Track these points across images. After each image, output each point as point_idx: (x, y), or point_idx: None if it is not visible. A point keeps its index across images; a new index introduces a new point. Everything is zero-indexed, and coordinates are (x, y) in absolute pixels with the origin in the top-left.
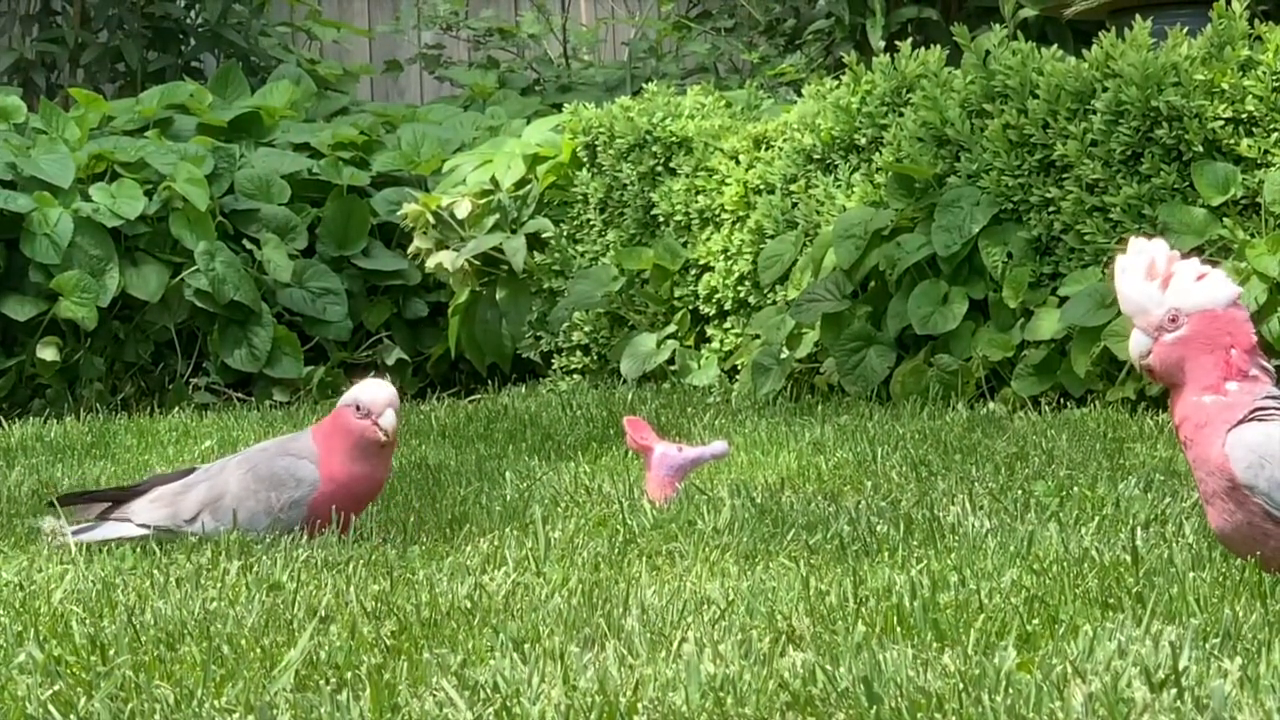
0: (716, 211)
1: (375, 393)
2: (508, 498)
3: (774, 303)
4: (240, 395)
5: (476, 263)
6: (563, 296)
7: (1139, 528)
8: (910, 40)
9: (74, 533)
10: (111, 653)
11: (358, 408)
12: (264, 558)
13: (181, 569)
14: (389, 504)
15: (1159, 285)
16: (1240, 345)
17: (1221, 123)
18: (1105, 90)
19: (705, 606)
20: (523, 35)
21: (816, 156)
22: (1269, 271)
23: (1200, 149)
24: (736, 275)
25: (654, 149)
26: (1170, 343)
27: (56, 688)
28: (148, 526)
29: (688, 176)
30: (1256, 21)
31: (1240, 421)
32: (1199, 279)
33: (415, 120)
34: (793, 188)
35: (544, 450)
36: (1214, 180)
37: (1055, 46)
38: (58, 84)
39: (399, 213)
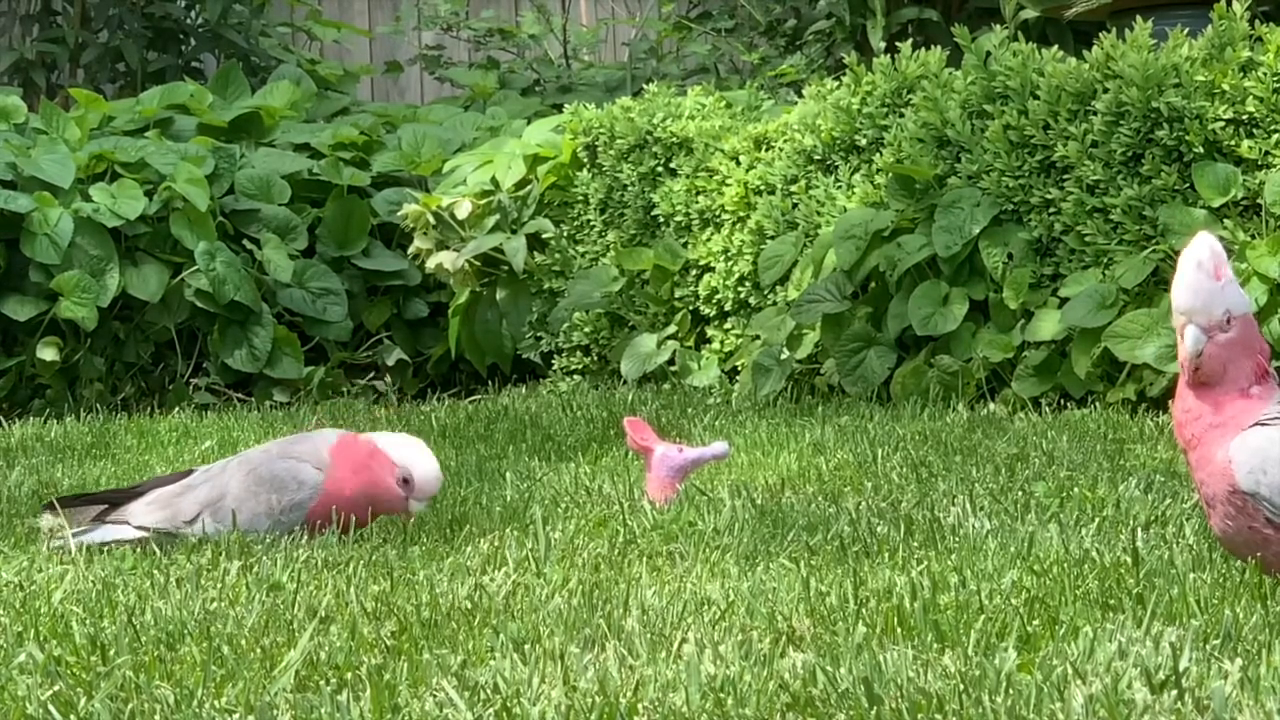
0: (717, 212)
1: (429, 479)
2: (508, 498)
3: (774, 303)
4: (240, 396)
5: (477, 263)
6: (563, 297)
7: (1139, 529)
8: (911, 41)
9: (70, 534)
10: (111, 653)
11: (405, 481)
12: (264, 558)
13: (181, 569)
14: None
15: (1221, 285)
16: (1263, 351)
17: (1222, 124)
18: (1106, 91)
19: (706, 607)
20: (523, 36)
21: (817, 157)
22: (1269, 273)
23: (1201, 150)
24: (737, 276)
25: (654, 149)
26: (1223, 343)
27: (56, 688)
28: (146, 529)
29: (688, 177)
30: (1257, 22)
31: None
32: (1234, 282)
33: (416, 121)
34: (793, 188)
35: (544, 451)
36: (1215, 181)
37: (1056, 47)
38: (58, 84)
39: (399, 213)
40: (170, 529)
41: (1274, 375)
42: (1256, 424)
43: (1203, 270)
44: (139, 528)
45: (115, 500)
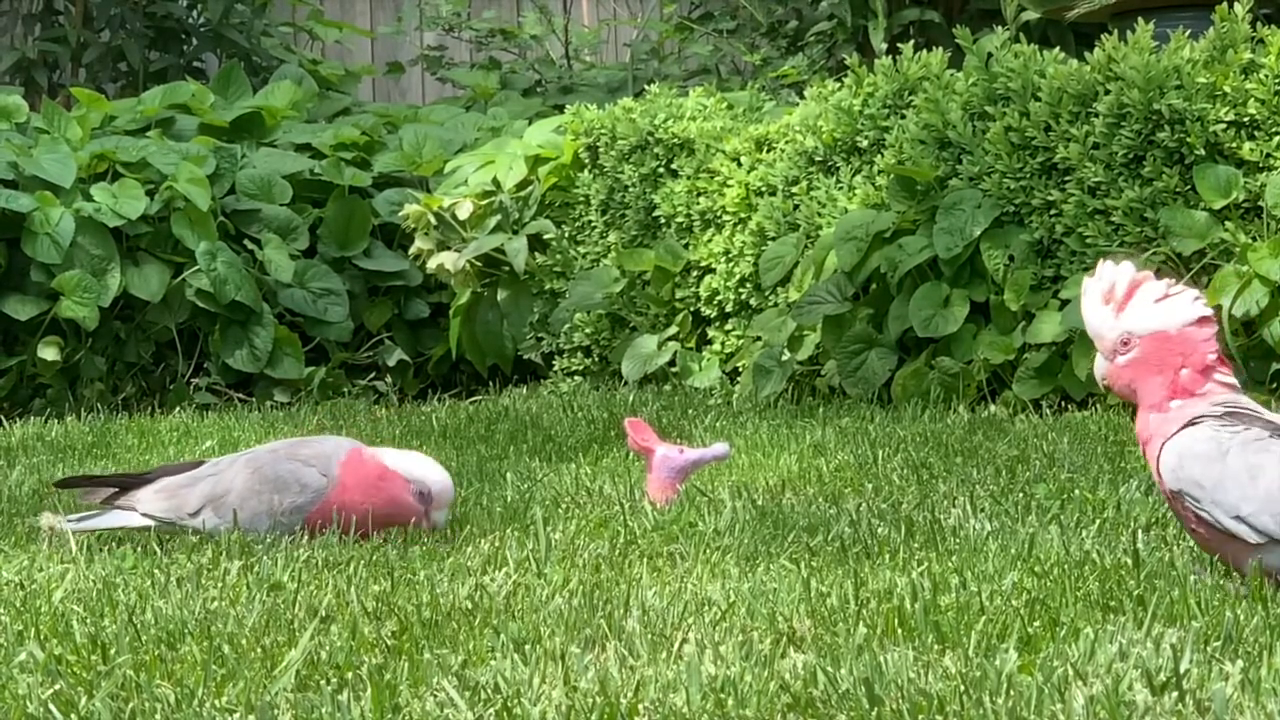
0: (718, 213)
1: (446, 489)
2: (508, 499)
3: (775, 305)
4: (241, 396)
5: (478, 264)
6: (564, 298)
7: (1140, 531)
8: (912, 42)
9: (78, 519)
10: (112, 652)
11: (422, 494)
12: (265, 558)
13: (182, 568)
14: None
15: (1113, 310)
16: (1193, 365)
17: (1223, 126)
18: (1107, 93)
19: (706, 608)
20: (525, 36)
21: (818, 158)
22: (1270, 275)
23: (1202, 152)
24: (738, 277)
25: (656, 150)
26: (1122, 365)
27: (57, 687)
28: (151, 517)
29: (689, 178)
30: (1259, 24)
31: (1175, 432)
32: (1159, 301)
33: (417, 121)
34: (794, 189)
35: (545, 452)
36: (1216, 183)
37: (1057, 49)
38: (60, 83)
39: (400, 213)
40: (174, 519)
41: (1230, 386)
42: (1186, 425)
43: (1088, 300)
44: (145, 515)
45: (125, 484)
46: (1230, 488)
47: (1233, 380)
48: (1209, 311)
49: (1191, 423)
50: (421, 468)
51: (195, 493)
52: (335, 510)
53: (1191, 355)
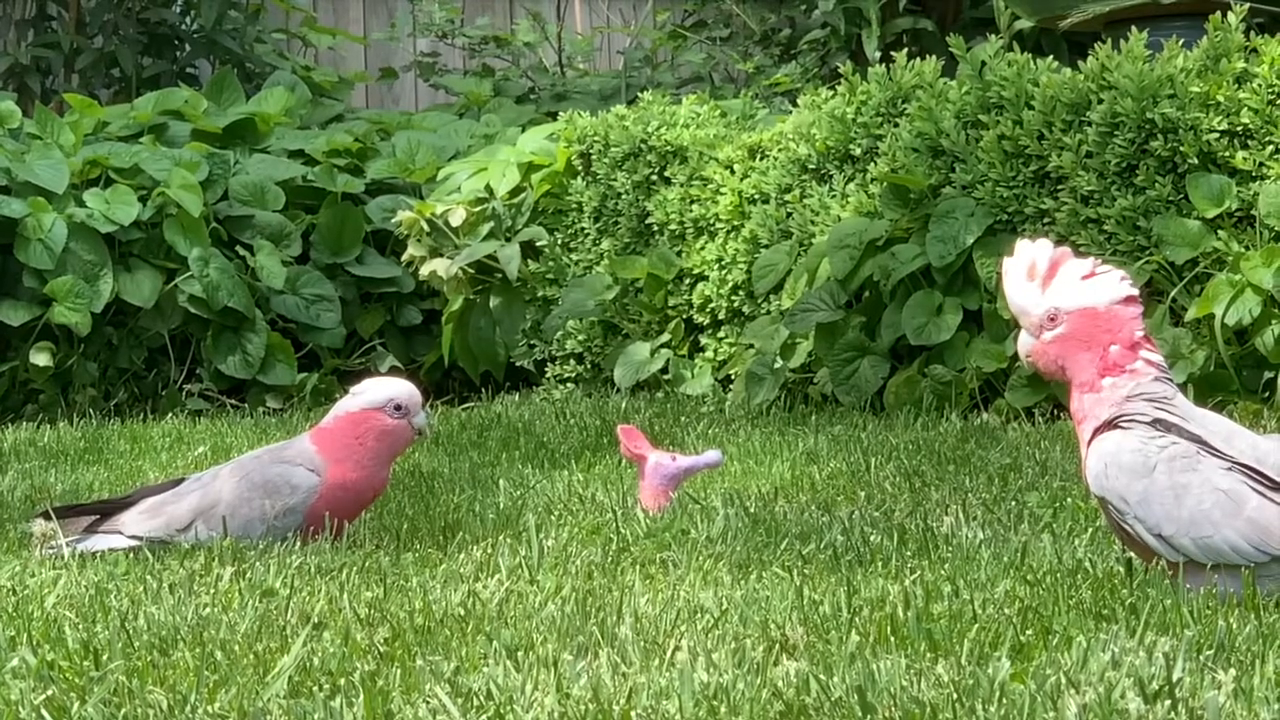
0: (711, 221)
1: (411, 391)
2: (501, 506)
3: (768, 312)
4: (233, 402)
5: (470, 270)
6: (557, 305)
7: None
8: (905, 51)
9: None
10: (105, 658)
11: (397, 407)
12: (257, 564)
13: (174, 574)
14: (382, 511)
15: (1039, 286)
16: (1122, 341)
17: (1217, 135)
18: (1100, 102)
19: (699, 615)
20: (518, 43)
21: (811, 166)
22: (1263, 284)
23: (1195, 161)
24: (731, 285)
25: (649, 158)
26: (1049, 341)
27: (49, 692)
28: (139, 538)
29: (682, 185)
30: (1252, 34)
31: (1102, 427)
32: (1085, 278)
33: (410, 128)
34: (787, 197)
35: (537, 458)
36: (1209, 192)
37: (1050, 58)
38: (52, 89)
39: (393, 220)
40: (164, 537)
41: (1156, 364)
42: (1115, 426)
43: (1011, 276)
44: (132, 537)
45: (107, 510)
46: (1155, 507)
47: (1159, 358)
48: (1136, 291)
49: (1117, 423)
50: (378, 390)
51: (183, 507)
52: (340, 492)
53: (1119, 332)
